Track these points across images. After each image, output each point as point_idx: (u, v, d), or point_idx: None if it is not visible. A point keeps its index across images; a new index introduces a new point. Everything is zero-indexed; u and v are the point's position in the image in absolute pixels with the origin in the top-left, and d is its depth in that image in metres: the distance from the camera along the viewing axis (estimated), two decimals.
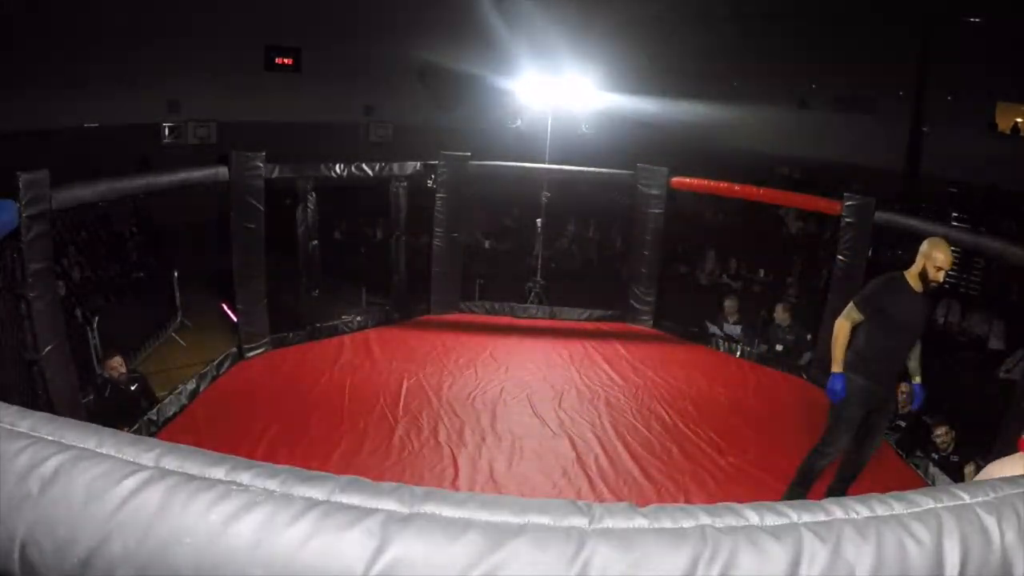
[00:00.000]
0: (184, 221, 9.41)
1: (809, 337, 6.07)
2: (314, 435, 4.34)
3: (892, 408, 3.57)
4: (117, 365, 4.75)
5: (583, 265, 9.18)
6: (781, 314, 6.30)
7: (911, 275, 3.37)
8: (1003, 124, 12.32)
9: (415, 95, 12.91)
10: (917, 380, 3.59)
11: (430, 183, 6.30)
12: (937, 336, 7.59)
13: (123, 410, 4.47)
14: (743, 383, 5.65)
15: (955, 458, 4.43)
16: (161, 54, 10.46)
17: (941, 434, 4.51)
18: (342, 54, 11.76)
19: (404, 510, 0.70)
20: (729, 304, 6.65)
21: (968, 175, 10.93)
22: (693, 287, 8.74)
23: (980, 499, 0.82)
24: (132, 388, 4.76)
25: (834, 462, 3.63)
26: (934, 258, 3.29)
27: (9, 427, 0.77)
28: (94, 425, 0.80)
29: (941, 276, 3.31)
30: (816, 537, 0.72)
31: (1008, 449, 3.99)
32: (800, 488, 3.64)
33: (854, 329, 3.45)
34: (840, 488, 3.69)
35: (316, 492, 0.71)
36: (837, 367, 3.41)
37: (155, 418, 4.42)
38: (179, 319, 8.06)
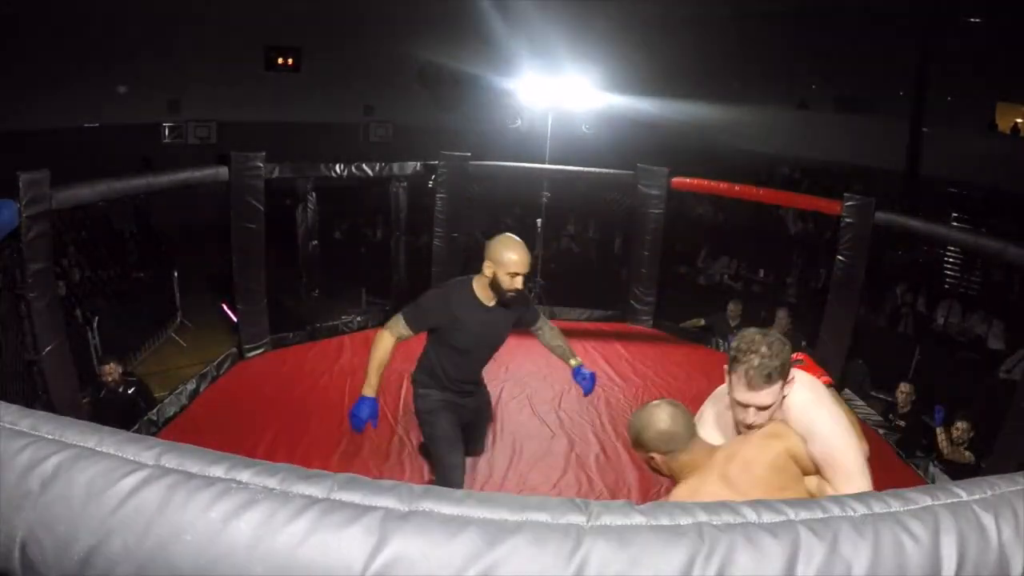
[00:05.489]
0: (184, 221, 9.42)
1: (804, 343, 6.04)
2: (314, 435, 4.34)
3: (488, 413, 3.23)
4: (111, 371, 4.75)
5: (583, 265, 9.18)
6: (783, 320, 6.27)
7: (480, 285, 2.76)
8: (1003, 124, 12.33)
9: (415, 95, 12.92)
10: (574, 363, 3.17)
11: (429, 184, 6.30)
12: (937, 336, 7.60)
13: (120, 413, 4.47)
14: None
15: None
16: (161, 54, 10.48)
17: (961, 430, 4.55)
18: (342, 54, 11.77)
19: (402, 507, 0.70)
20: (733, 308, 6.64)
21: (968, 175, 10.93)
22: (693, 287, 8.75)
23: (977, 497, 0.82)
24: (129, 392, 4.76)
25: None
26: (505, 262, 2.65)
27: (9, 426, 0.77)
28: (94, 424, 0.80)
29: (519, 282, 2.68)
30: (813, 534, 0.72)
31: (1008, 449, 4.00)
32: None
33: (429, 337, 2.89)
34: None
35: (315, 490, 0.71)
36: (369, 390, 2.75)
37: (155, 418, 4.42)
38: (179, 319, 8.07)
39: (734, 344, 1.82)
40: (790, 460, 1.78)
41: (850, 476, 1.74)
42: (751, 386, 1.75)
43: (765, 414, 1.79)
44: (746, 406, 1.79)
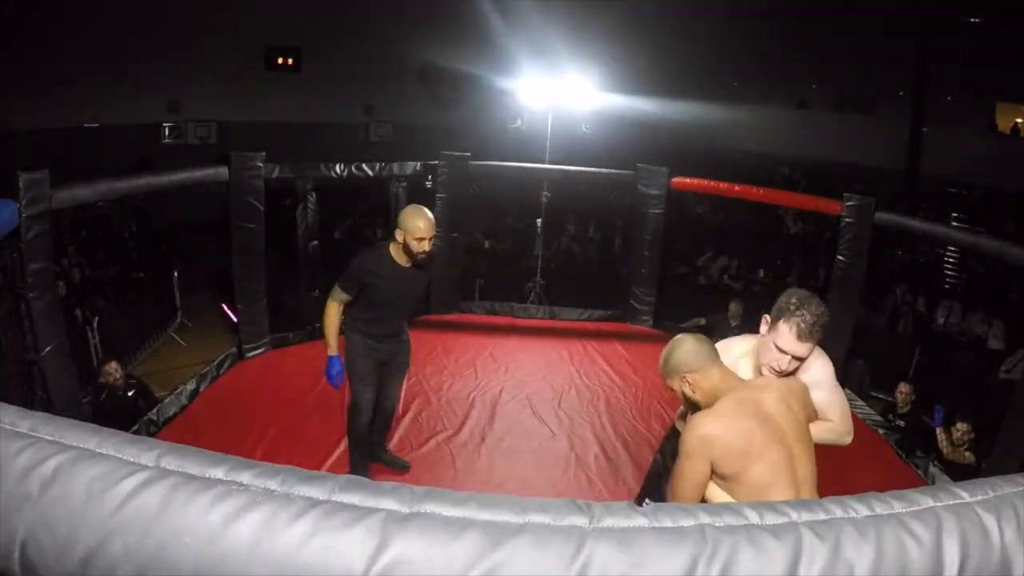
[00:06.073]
0: (184, 221, 9.42)
1: None
2: (314, 435, 4.33)
3: (404, 360, 3.65)
4: (112, 371, 4.75)
5: (583, 265, 9.18)
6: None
7: (395, 249, 3.27)
8: (1003, 124, 12.33)
9: (415, 95, 12.92)
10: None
11: (428, 183, 6.30)
12: (937, 336, 7.61)
13: (121, 415, 4.47)
14: None
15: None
16: (161, 54, 10.47)
17: (961, 431, 4.55)
18: (342, 54, 11.77)
19: (404, 509, 0.70)
20: (734, 307, 6.63)
21: (968, 175, 10.94)
22: (693, 287, 8.75)
23: (979, 498, 0.82)
24: (129, 394, 4.75)
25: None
26: (411, 229, 3.18)
27: (9, 427, 0.77)
28: (94, 425, 0.80)
29: (426, 245, 3.21)
30: (815, 536, 0.72)
31: (1008, 449, 4.00)
32: (360, 456, 3.61)
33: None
34: (379, 440, 3.84)
35: (316, 492, 0.71)
36: (331, 351, 3.40)
37: (155, 418, 4.42)
38: (179, 319, 8.07)
39: (784, 297, 1.93)
40: (807, 398, 1.92)
41: (844, 411, 2.15)
42: (800, 338, 1.87)
43: (797, 365, 1.93)
44: (786, 354, 1.90)
